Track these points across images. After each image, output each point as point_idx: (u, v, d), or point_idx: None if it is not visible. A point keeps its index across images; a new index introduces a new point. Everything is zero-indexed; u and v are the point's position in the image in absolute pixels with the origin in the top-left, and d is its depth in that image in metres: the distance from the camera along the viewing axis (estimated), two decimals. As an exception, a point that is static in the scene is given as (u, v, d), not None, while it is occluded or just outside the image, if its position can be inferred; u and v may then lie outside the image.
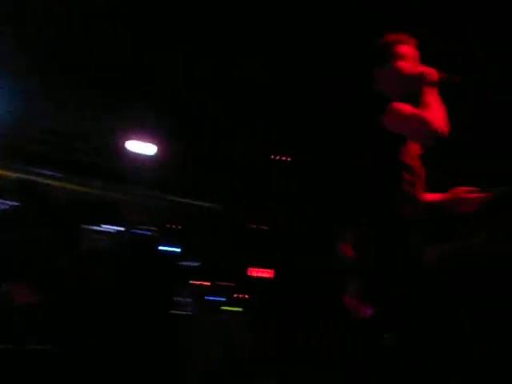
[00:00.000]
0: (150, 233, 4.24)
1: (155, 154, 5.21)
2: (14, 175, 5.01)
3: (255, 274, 6.10)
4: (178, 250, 5.02)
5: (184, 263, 5.15)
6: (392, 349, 1.91)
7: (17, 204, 3.67)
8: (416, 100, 1.89)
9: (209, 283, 5.27)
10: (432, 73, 1.89)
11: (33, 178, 5.03)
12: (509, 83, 3.28)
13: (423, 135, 1.79)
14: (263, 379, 4.33)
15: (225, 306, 5.37)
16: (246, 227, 6.23)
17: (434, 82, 1.87)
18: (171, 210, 6.21)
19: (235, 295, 5.46)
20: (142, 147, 5.09)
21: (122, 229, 4.30)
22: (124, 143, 5.04)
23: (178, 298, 4.38)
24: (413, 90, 1.91)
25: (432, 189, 2.08)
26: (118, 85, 4.31)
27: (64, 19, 3.49)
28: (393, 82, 1.97)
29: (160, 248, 4.61)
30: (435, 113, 1.76)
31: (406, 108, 1.83)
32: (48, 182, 5.29)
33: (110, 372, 3.40)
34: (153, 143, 5.08)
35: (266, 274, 6.07)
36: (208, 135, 5.32)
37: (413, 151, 1.92)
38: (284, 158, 5.98)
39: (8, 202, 3.62)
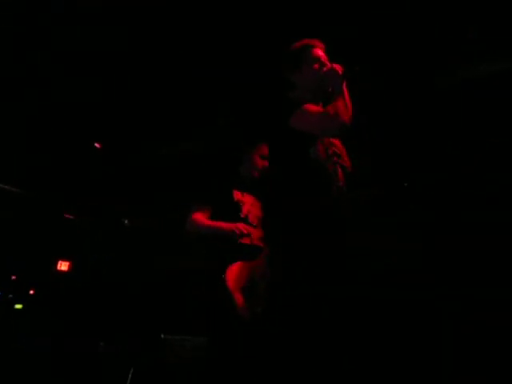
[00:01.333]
0: None
1: None
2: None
3: (58, 267, 5.44)
4: None
5: None
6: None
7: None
8: (326, 97, 2.04)
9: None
10: (339, 68, 2.02)
11: None
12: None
13: (328, 130, 1.93)
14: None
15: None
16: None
17: (341, 76, 1.99)
18: None
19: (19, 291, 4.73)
20: None
21: None
22: None
23: None
24: (324, 88, 2.06)
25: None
26: None
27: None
28: (308, 83, 2.10)
29: None
30: (340, 107, 1.90)
31: (312, 108, 1.96)
32: None
33: None
34: None
35: (63, 266, 5.42)
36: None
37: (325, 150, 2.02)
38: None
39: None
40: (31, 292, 4.73)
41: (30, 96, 4.59)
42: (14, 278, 4.71)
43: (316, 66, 2.11)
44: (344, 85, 2.00)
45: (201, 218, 2.47)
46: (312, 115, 1.94)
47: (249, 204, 2.59)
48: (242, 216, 2.51)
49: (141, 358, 3.18)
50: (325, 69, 2.08)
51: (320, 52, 2.16)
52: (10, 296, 4.69)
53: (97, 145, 5.54)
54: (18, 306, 4.58)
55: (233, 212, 2.51)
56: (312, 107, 1.98)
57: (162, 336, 2.73)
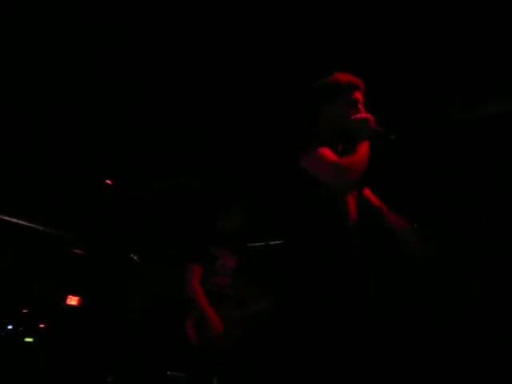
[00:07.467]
0: None
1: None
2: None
3: (67, 302, 5.56)
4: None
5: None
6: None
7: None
8: (346, 142, 1.89)
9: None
10: (372, 120, 1.87)
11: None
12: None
13: (337, 186, 1.75)
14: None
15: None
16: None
17: (371, 130, 1.84)
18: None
19: (30, 324, 4.86)
20: None
21: None
22: None
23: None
24: (349, 133, 1.87)
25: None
26: None
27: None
28: (336, 122, 1.93)
29: None
30: (355, 161, 1.74)
31: (327, 154, 1.80)
32: None
33: None
34: None
35: (73, 301, 5.56)
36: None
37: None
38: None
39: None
40: (42, 325, 4.85)
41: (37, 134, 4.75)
42: (25, 311, 4.84)
43: (352, 108, 1.95)
44: (368, 138, 1.84)
45: (196, 287, 2.83)
46: (325, 164, 1.78)
47: (225, 257, 2.98)
48: (216, 269, 2.92)
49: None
50: (358, 115, 1.92)
51: (360, 95, 1.99)
52: (21, 329, 4.82)
53: (108, 182, 5.74)
54: (29, 339, 4.71)
55: (208, 266, 2.91)
56: (327, 153, 1.82)
57: (168, 373, 2.84)
